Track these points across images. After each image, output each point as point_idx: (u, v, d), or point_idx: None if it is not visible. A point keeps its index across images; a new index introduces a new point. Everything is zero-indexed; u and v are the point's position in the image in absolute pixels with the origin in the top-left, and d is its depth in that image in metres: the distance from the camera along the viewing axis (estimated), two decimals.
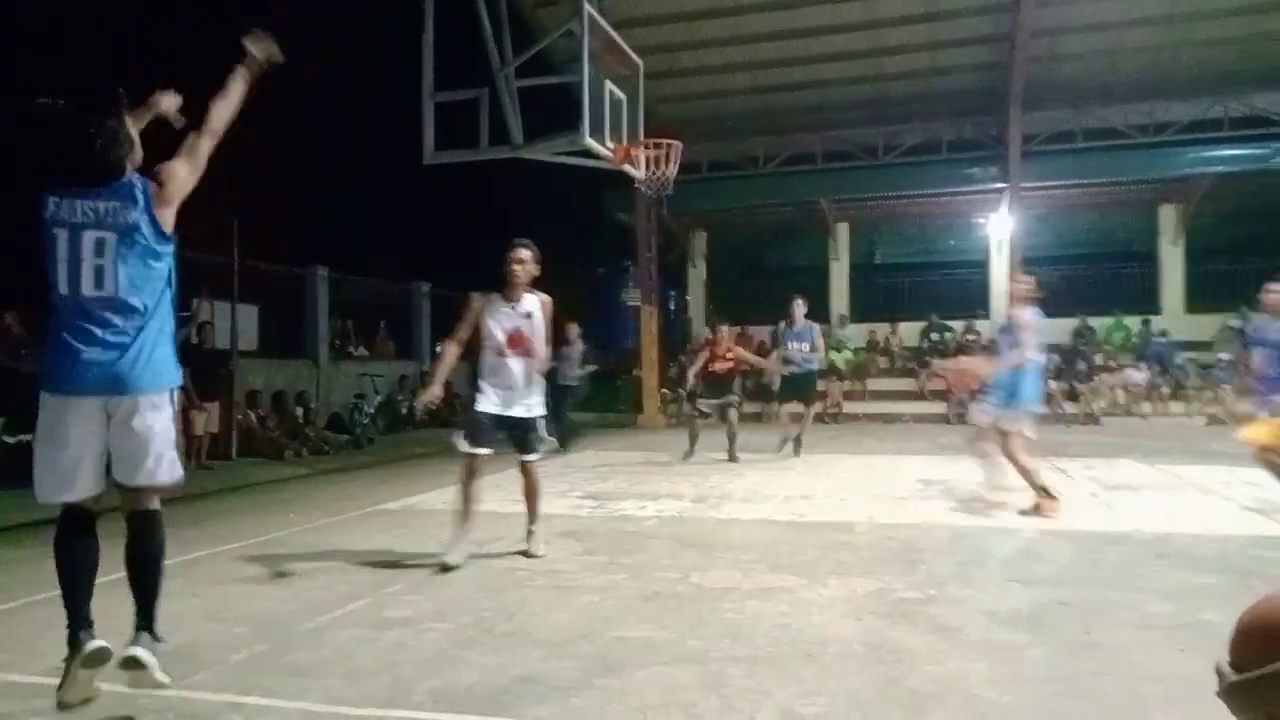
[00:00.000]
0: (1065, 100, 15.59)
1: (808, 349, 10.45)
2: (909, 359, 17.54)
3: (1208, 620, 3.83)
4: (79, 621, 2.88)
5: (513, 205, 29.94)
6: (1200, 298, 17.54)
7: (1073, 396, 15.34)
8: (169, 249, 3.00)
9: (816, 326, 10.69)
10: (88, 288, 2.85)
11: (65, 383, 2.86)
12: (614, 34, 9.34)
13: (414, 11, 9.41)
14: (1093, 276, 18.21)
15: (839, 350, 17.66)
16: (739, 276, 20.66)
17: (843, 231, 19.56)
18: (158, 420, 2.94)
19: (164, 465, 2.97)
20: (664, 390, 17.54)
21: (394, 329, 17.03)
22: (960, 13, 14.21)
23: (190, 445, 10.63)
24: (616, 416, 18.44)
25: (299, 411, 12.67)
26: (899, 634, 3.75)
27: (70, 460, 2.87)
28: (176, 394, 3.07)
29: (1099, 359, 16.14)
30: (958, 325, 17.72)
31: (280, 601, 4.47)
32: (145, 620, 2.94)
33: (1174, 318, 17.25)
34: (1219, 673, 1.20)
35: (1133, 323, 17.17)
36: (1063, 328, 17.00)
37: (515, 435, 5.34)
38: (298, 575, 5.04)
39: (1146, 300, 17.80)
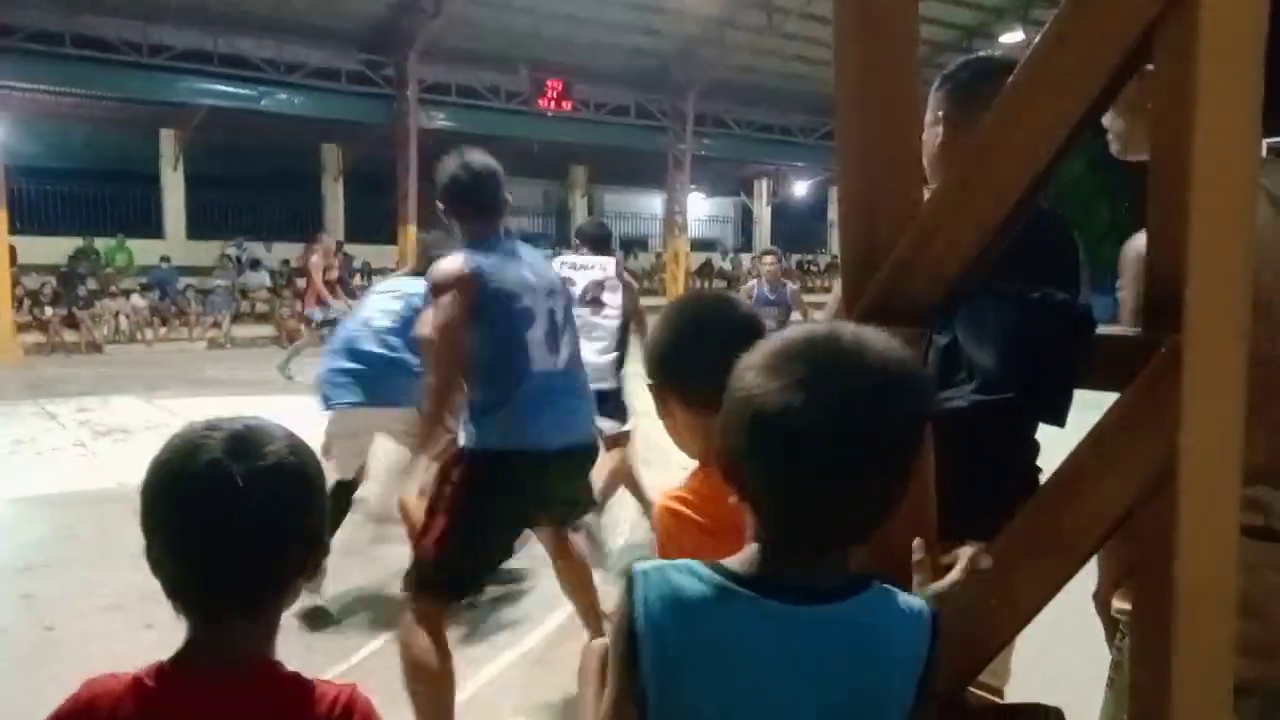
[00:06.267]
0: None
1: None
2: None
3: None
4: None
5: None
6: (201, 225, 18.28)
7: (73, 324, 14.47)
8: None
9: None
10: None
11: None
12: None
13: None
14: (95, 196, 17.36)
15: None
16: None
17: None
18: None
19: None
20: None
21: None
22: None
23: None
24: None
25: None
26: None
27: None
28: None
29: (98, 284, 15.56)
30: None
31: None
32: None
33: (177, 244, 17.63)
34: None
35: (137, 246, 16.94)
36: (63, 249, 15.96)
37: None
38: None
39: (151, 225, 17.76)
